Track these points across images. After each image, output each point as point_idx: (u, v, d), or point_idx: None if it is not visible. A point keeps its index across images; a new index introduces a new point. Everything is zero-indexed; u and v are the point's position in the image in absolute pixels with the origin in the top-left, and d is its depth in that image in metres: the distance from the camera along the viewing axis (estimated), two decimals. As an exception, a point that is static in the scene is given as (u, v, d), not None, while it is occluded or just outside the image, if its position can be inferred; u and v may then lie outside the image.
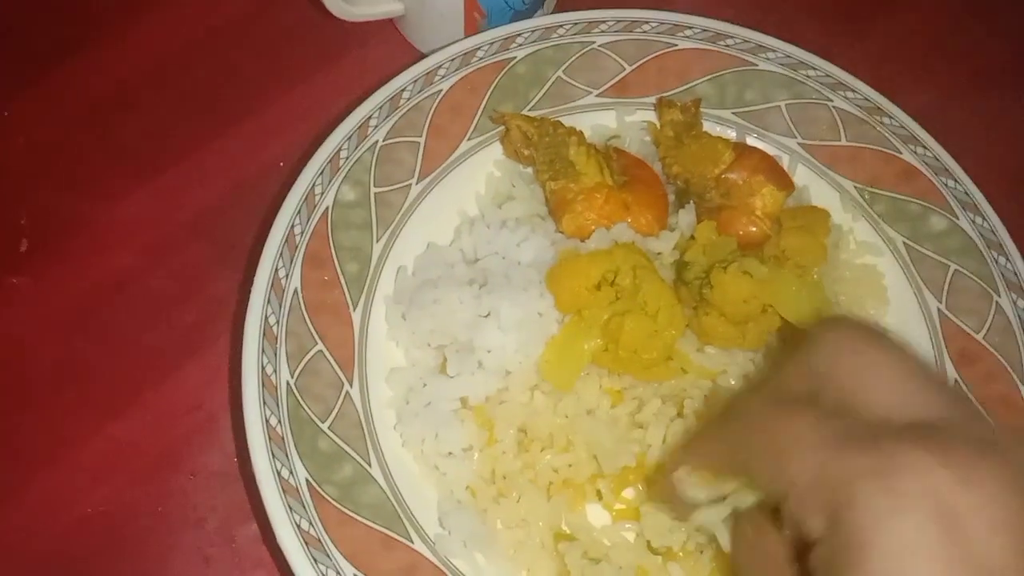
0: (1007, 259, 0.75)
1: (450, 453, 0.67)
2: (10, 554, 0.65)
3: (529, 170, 0.78)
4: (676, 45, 0.82)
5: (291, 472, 0.61)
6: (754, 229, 0.75)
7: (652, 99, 0.81)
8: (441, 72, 0.77)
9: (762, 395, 0.49)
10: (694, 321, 0.69)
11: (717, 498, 0.51)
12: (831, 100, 0.82)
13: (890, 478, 0.38)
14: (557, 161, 0.75)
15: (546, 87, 0.80)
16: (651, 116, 0.81)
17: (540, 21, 0.81)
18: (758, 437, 0.45)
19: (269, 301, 0.66)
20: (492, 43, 0.79)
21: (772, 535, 0.47)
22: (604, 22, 0.82)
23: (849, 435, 0.41)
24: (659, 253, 0.73)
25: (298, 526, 0.60)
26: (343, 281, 0.70)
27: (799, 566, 0.44)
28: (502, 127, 0.77)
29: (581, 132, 0.77)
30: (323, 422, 0.64)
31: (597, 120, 0.81)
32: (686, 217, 0.75)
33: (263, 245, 0.68)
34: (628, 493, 0.67)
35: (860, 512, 0.38)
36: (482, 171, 0.78)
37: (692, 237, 0.73)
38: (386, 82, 0.76)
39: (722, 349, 0.69)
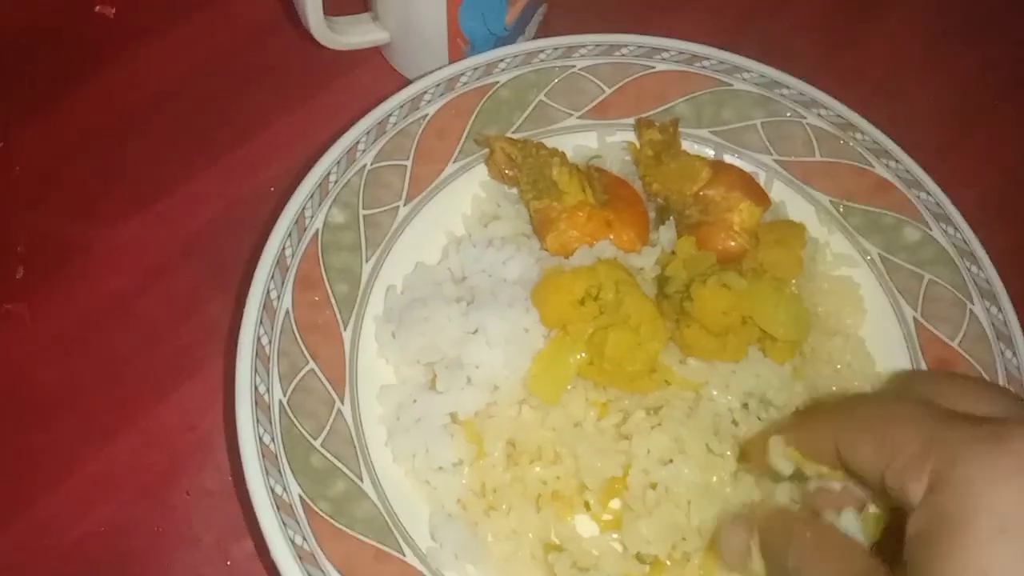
0: (979, 268, 0.77)
1: (440, 467, 0.68)
2: (9, 576, 0.67)
3: (514, 190, 0.80)
4: (654, 67, 0.84)
5: (284, 488, 0.63)
6: (732, 244, 0.77)
7: (631, 120, 0.83)
8: (427, 97, 0.80)
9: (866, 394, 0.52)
10: (676, 334, 0.71)
11: (800, 476, 0.54)
12: (805, 117, 0.84)
13: (998, 443, 0.40)
14: (540, 181, 0.77)
15: (529, 110, 0.82)
16: (631, 136, 0.83)
17: (522, 47, 0.84)
18: (867, 418, 0.48)
19: (261, 322, 0.68)
20: (476, 68, 0.82)
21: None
22: (584, 46, 0.84)
23: (956, 415, 0.44)
24: (641, 268, 0.75)
25: (292, 541, 0.61)
26: (334, 301, 0.71)
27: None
28: (486, 149, 0.80)
29: (563, 153, 0.79)
30: (315, 439, 0.66)
31: (579, 141, 0.83)
32: (666, 233, 0.77)
33: (255, 268, 0.69)
34: (615, 504, 0.68)
35: (967, 470, 0.40)
36: (468, 192, 0.80)
37: (673, 252, 0.75)
38: (373, 108, 0.78)
39: (704, 360, 0.71)
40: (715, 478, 0.66)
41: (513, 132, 0.81)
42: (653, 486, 0.66)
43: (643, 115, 0.83)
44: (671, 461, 0.66)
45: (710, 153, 0.83)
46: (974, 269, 0.78)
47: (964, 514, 0.39)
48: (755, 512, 0.56)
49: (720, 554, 0.58)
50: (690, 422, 0.68)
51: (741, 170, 0.81)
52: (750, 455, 0.65)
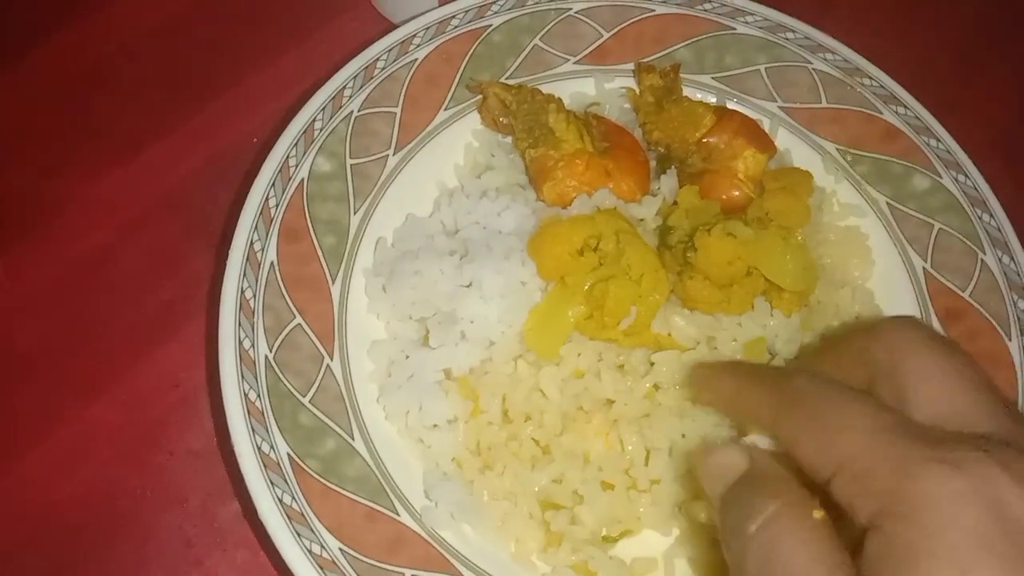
0: (991, 216, 0.75)
1: (434, 425, 0.66)
2: (-13, 539, 0.64)
3: (508, 139, 0.77)
4: (653, 11, 0.81)
5: (272, 447, 0.60)
6: (737, 192, 0.74)
7: (631, 66, 0.80)
8: (416, 41, 0.76)
9: (813, 372, 0.48)
10: (678, 286, 0.68)
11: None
12: (811, 62, 0.81)
13: (956, 466, 0.38)
14: (536, 128, 0.74)
15: (523, 55, 0.79)
16: (630, 83, 0.80)
17: (515, -12, 0.80)
18: (811, 416, 0.44)
19: (245, 275, 0.65)
20: (467, 11, 0.78)
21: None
22: (580, -13, 0.81)
23: (907, 429, 0.41)
24: (641, 219, 0.72)
25: (280, 500, 0.58)
26: (321, 254, 0.68)
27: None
28: (479, 96, 0.76)
29: (560, 99, 0.76)
30: (304, 396, 0.63)
31: (576, 88, 0.80)
32: (668, 182, 0.74)
33: (238, 219, 0.66)
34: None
35: (922, 500, 0.37)
36: (460, 141, 0.77)
37: (675, 202, 0.73)
38: (360, 52, 0.74)
39: (707, 314, 0.69)
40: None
41: (507, 78, 0.78)
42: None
43: (642, 60, 0.79)
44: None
45: (713, 100, 0.80)
46: (986, 217, 0.75)
47: (919, 551, 0.37)
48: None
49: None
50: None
51: (745, 116, 0.78)
52: (695, 386, 0.63)
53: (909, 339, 0.46)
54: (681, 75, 0.79)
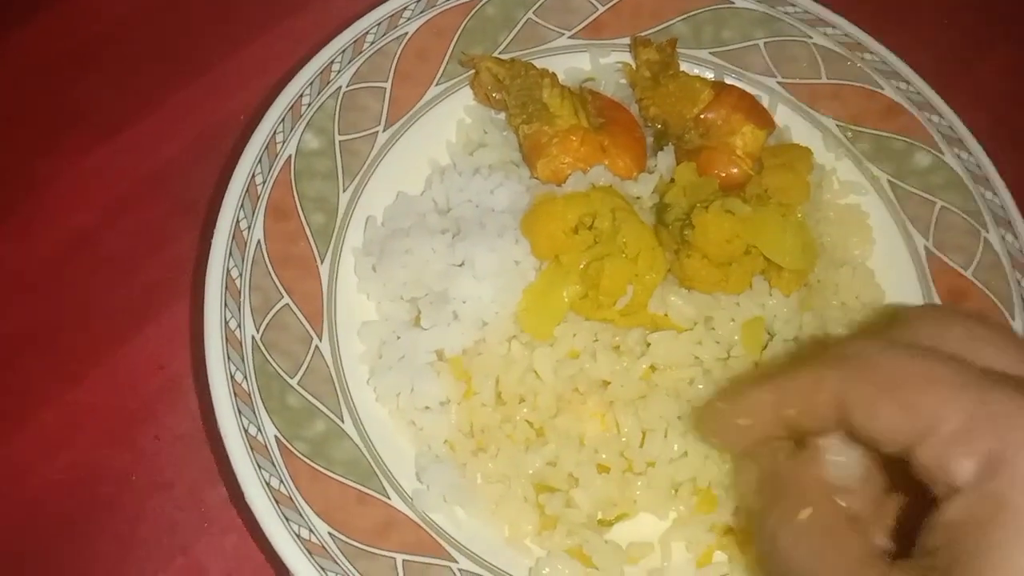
0: (993, 193, 0.73)
1: (426, 407, 0.65)
2: (-31, 525, 0.63)
3: (501, 116, 0.75)
4: (650, -17, 0.79)
5: (259, 429, 0.59)
6: (735, 169, 0.72)
7: (627, 40, 0.78)
8: (406, 15, 0.74)
9: (877, 340, 0.44)
10: (675, 264, 0.67)
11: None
12: (810, 37, 0.79)
13: None
14: (530, 104, 0.72)
15: (516, 29, 0.77)
16: (627, 58, 0.78)
17: (509, -40, 0.78)
18: (889, 377, 0.40)
19: (231, 253, 0.63)
20: (459, -16, 0.76)
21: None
22: (575, -40, 0.79)
23: (994, 380, 0.38)
24: (638, 197, 0.70)
25: (268, 484, 0.57)
26: (309, 232, 0.67)
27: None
28: (471, 71, 0.74)
29: (554, 74, 0.74)
30: (292, 377, 0.62)
31: (571, 63, 0.78)
32: (665, 159, 0.72)
33: (223, 197, 0.65)
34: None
35: None
36: (452, 118, 0.75)
37: (671, 180, 0.71)
38: (348, 26, 0.72)
39: (705, 293, 0.67)
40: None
41: (500, 53, 0.76)
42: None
43: (637, 35, 0.78)
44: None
45: (710, 76, 0.78)
46: (988, 195, 0.74)
47: None
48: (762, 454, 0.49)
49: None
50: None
51: (743, 91, 0.76)
52: (703, 423, 0.57)
53: (942, 314, 0.45)
54: (678, 50, 0.77)
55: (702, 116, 0.73)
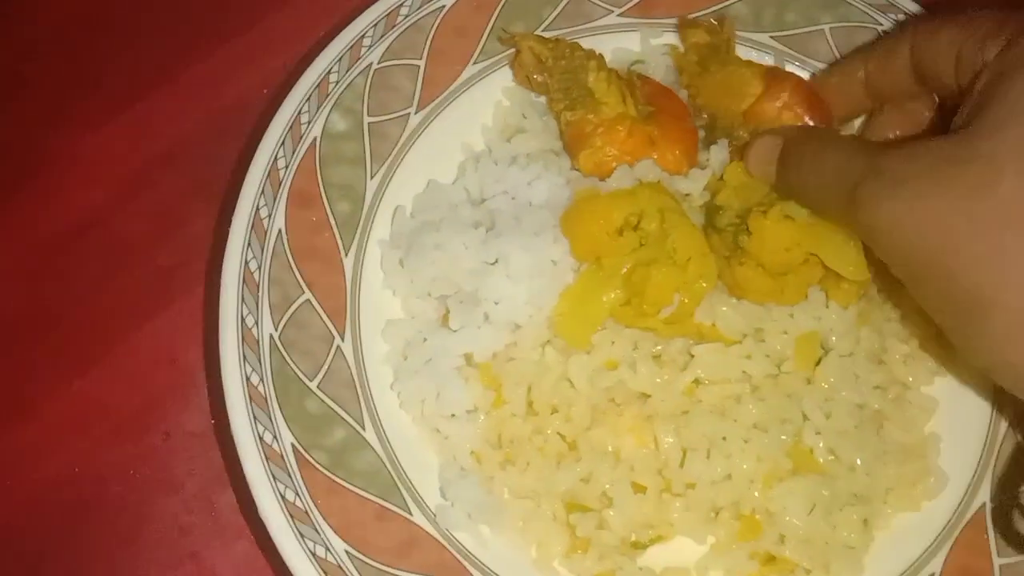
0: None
1: (453, 415, 0.61)
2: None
3: (542, 99, 0.70)
4: (709, -43, 0.73)
5: (275, 437, 0.55)
6: None
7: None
8: (444, -14, 0.69)
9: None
10: (726, 272, 0.62)
11: None
12: (880, 24, 0.73)
13: None
14: (574, 88, 0.67)
15: (562, 5, 0.71)
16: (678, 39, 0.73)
17: (555, -72, 0.72)
18: (946, 18, 0.55)
19: (250, 244, 0.59)
20: (501, -46, 0.70)
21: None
22: (627, -71, 0.73)
23: None
24: (687, 194, 0.65)
25: (283, 497, 0.54)
26: (333, 222, 0.63)
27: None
28: (512, 49, 0.69)
29: (601, 56, 0.69)
30: (311, 380, 0.58)
31: (619, 43, 0.72)
32: (718, 154, 0.67)
33: (243, 181, 0.61)
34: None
35: None
36: (489, 100, 0.70)
37: (722, 178, 0.66)
38: (381, -3, 0.68)
39: (756, 304, 0.62)
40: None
41: (543, 30, 0.71)
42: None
43: (694, 14, 0.72)
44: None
45: (769, 61, 0.72)
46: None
47: None
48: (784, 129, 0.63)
49: (747, 163, 0.63)
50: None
51: (799, 80, 0.70)
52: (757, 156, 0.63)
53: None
54: (736, 32, 0.71)
55: (753, 110, 0.68)
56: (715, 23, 0.71)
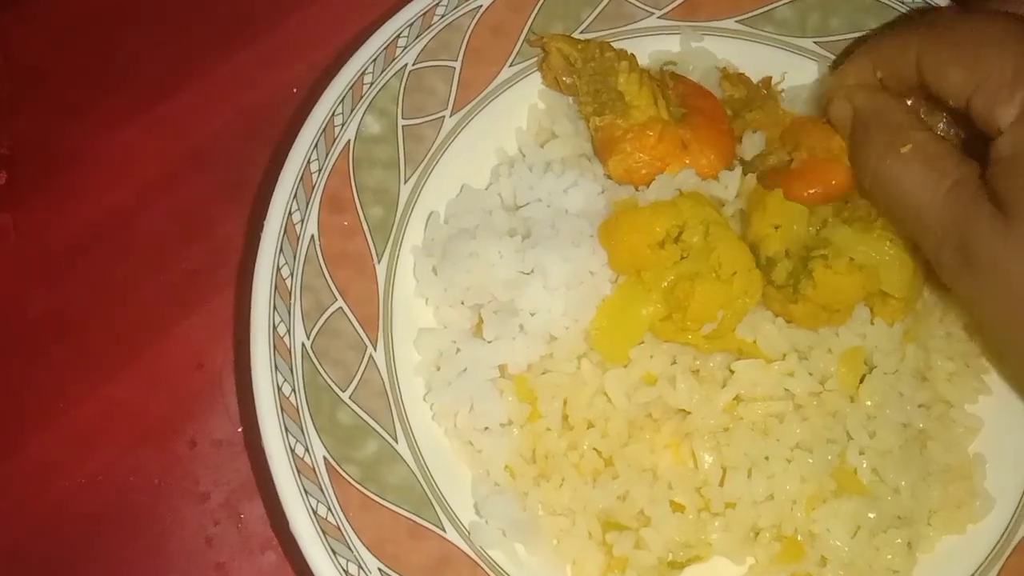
0: None
1: (486, 428, 0.60)
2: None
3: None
4: (754, -42, 0.71)
5: (307, 449, 0.54)
6: (834, 181, 0.64)
7: (723, 23, 0.71)
8: (481, -15, 0.67)
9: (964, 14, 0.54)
10: (775, 302, 0.60)
11: None
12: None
13: None
14: (603, 92, 0.65)
15: (601, 6, 0.70)
16: (723, 44, 0.71)
17: (595, -74, 0.70)
18: (958, 38, 0.50)
19: (282, 250, 0.58)
20: (539, -48, 0.69)
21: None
22: (671, -73, 0.71)
23: None
24: (723, 204, 0.63)
25: (315, 512, 0.52)
26: (366, 228, 0.61)
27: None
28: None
29: (633, 56, 0.66)
30: (343, 391, 0.57)
31: (659, 46, 0.71)
32: (751, 144, 0.65)
33: (274, 183, 0.59)
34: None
35: None
36: (525, 103, 0.69)
37: (739, 195, 0.63)
38: (417, -4, 0.66)
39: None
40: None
41: (582, 31, 0.69)
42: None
43: (740, 17, 0.70)
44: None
45: (814, 67, 0.70)
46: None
47: None
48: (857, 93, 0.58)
49: (831, 116, 0.60)
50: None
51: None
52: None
53: None
54: (781, 37, 0.70)
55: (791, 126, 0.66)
56: (758, 82, 0.69)
